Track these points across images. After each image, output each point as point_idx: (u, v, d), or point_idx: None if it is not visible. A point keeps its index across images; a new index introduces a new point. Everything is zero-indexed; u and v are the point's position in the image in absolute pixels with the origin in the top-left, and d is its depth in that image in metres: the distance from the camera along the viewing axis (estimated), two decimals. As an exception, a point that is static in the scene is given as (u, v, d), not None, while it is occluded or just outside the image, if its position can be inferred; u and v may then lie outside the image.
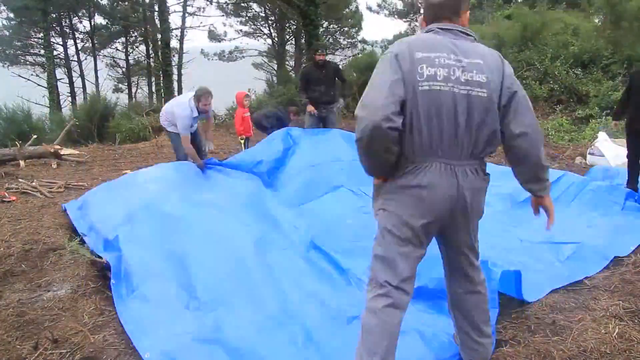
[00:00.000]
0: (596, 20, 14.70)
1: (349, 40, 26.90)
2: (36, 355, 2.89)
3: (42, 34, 22.42)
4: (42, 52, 23.02)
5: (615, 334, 2.87)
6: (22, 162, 7.93)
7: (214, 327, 3.13)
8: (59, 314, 3.36)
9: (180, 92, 24.83)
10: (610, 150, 6.99)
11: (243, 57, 26.63)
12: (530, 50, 12.79)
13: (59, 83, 23.85)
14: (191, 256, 3.89)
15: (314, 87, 7.17)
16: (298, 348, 2.93)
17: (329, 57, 8.76)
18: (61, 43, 25.98)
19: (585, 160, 7.41)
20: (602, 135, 7.39)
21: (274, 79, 20.60)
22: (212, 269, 3.75)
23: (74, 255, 4.19)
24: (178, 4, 25.11)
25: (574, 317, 3.09)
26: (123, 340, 3.06)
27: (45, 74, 22.38)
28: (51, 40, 23.40)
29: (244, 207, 4.98)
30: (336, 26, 26.21)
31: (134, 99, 24.57)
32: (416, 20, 29.05)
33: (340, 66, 7.99)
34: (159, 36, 22.68)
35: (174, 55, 24.37)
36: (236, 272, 3.74)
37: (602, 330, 2.92)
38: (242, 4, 25.03)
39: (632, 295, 3.34)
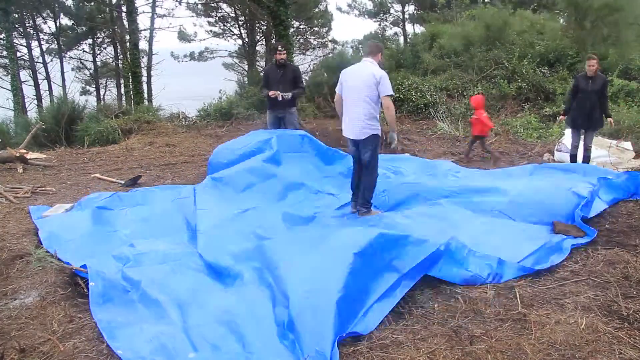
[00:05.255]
0: (561, 21, 15.03)
1: (320, 40, 26.94)
2: (3, 365, 2.82)
3: (4, 35, 21.78)
4: (5, 53, 22.37)
5: (583, 325, 2.94)
6: (-15, 167, 7.70)
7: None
8: (26, 323, 3.27)
9: (150, 94, 24.48)
10: (577, 147, 7.14)
11: (213, 57, 26.38)
12: (498, 49, 12.99)
13: (23, 85, 23.23)
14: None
15: (273, 88, 7.21)
16: None
17: (299, 57, 8.63)
18: (25, 44, 25.33)
19: (553, 156, 7.56)
20: (568, 132, 7.55)
21: (245, 79, 20.47)
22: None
23: (41, 262, 4.07)
24: (147, 4, 24.76)
25: (543, 310, 3.15)
26: (94, 347, 2.99)
27: (9, 76, 21.76)
28: (14, 41, 22.76)
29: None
30: (306, 26, 26.21)
31: (102, 101, 24.09)
32: (386, 20, 29.27)
33: (300, 71, 7.82)
34: (127, 37, 22.28)
35: (143, 57, 23.97)
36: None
37: (572, 323, 2.98)
38: (212, 5, 24.82)
39: (600, 287, 3.42)
